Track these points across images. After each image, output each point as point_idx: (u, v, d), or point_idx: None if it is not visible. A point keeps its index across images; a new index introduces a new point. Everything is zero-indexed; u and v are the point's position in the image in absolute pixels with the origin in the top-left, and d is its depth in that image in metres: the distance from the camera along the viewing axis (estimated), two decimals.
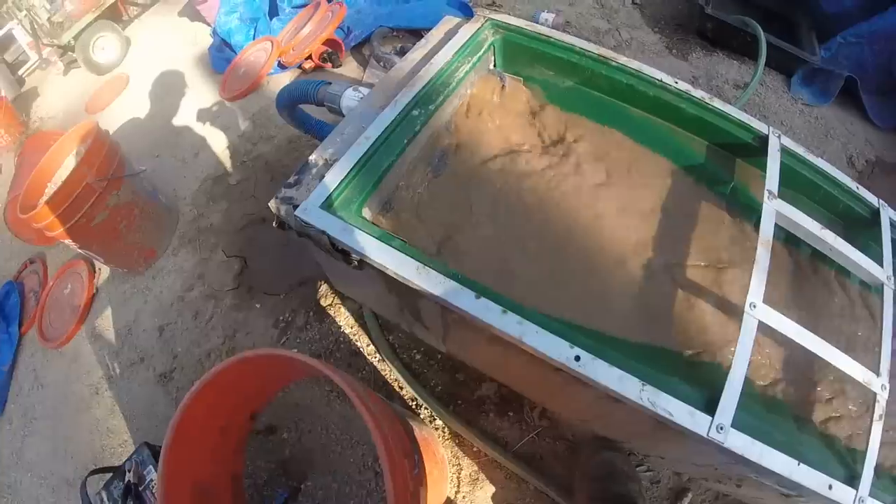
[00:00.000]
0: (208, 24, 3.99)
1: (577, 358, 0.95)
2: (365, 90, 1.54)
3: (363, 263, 1.14)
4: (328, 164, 1.23)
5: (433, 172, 1.35)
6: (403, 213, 1.27)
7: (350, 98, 1.56)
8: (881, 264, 1.22)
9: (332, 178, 1.17)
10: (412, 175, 1.32)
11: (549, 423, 1.80)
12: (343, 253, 1.14)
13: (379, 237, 1.09)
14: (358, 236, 1.09)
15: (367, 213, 1.23)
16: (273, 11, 3.71)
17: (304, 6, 3.56)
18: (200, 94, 3.61)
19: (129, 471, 1.78)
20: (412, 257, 1.06)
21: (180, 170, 3.12)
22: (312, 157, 1.27)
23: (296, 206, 1.15)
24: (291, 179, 1.25)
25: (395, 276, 1.06)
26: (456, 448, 1.82)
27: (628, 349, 1.12)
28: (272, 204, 1.23)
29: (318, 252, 1.25)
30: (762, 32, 2.69)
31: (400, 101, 1.29)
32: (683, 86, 1.44)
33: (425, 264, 1.04)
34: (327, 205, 1.14)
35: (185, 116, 3.48)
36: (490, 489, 1.75)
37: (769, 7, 3.16)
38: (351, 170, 1.18)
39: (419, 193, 1.31)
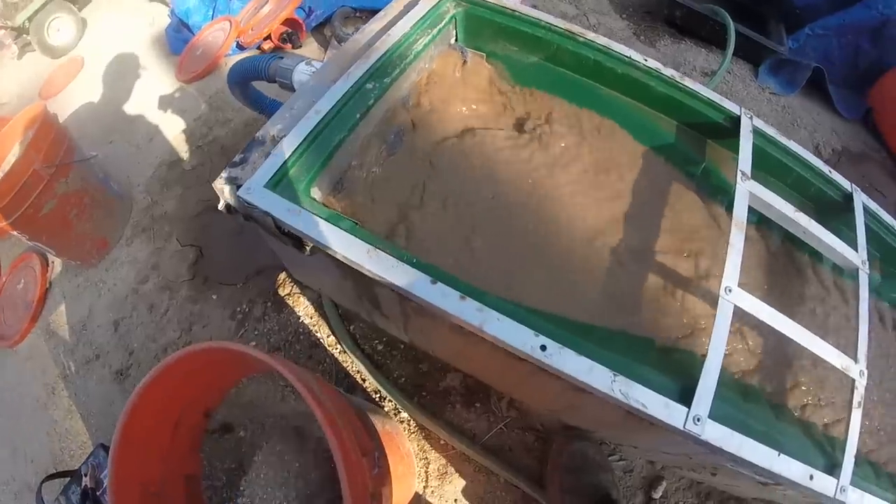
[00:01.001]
0: (166, 5, 3.80)
1: (544, 347, 0.88)
2: (318, 64, 1.44)
3: (316, 248, 1.05)
4: (276, 141, 1.13)
5: (388, 150, 1.25)
6: (356, 193, 1.17)
7: (302, 72, 1.46)
8: (855, 249, 1.19)
9: (278, 156, 1.07)
10: (366, 153, 1.23)
11: (517, 414, 1.75)
12: (290, 237, 1.05)
13: (327, 218, 0.99)
14: (304, 217, 0.99)
15: (316, 193, 1.13)
16: None
17: None
18: (156, 76, 3.43)
19: (86, 475, 1.67)
20: (362, 239, 0.97)
21: (134, 156, 2.96)
22: (259, 134, 1.16)
23: (240, 187, 1.05)
24: (237, 158, 1.13)
25: (344, 261, 0.98)
26: (423, 441, 1.76)
27: (598, 338, 1.05)
28: (216, 185, 1.11)
29: (271, 238, 1.16)
30: (731, 20, 2.69)
31: (353, 74, 1.20)
32: (653, 63, 1.38)
33: (376, 247, 0.96)
34: (273, 184, 1.04)
35: (141, 100, 3.30)
36: (459, 483, 1.69)
37: None
38: (299, 146, 1.08)
39: (373, 172, 1.21)
